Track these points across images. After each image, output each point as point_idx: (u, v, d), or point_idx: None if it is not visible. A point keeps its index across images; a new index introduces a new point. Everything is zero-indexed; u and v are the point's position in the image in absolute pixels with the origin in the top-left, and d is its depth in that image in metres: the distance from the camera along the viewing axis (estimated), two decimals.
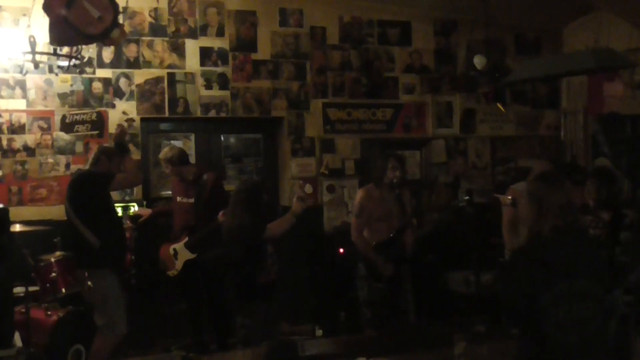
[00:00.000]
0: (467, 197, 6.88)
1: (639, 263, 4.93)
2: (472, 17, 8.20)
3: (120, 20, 4.81)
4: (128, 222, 6.75)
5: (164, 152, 6.86)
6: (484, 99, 8.65)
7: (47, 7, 4.51)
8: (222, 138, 8.15)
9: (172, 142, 7.82)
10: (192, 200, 6.75)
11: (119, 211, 7.10)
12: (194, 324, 6.91)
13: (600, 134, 8.29)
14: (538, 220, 3.19)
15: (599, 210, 5.42)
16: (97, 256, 5.57)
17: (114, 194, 7.20)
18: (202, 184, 6.74)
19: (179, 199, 6.86)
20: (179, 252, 6.71)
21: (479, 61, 8.16)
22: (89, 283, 5.56)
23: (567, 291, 3.07)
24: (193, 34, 7.56)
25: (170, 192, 7.26)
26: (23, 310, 5.80)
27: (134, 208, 7.20)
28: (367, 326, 6.07)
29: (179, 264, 6.70)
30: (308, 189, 7.99)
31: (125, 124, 7.34)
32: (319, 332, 7.26)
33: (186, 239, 6.68)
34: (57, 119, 7.10)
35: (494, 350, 3.31)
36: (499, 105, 8.54)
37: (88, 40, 4.42)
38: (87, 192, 5.65)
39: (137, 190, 7.40)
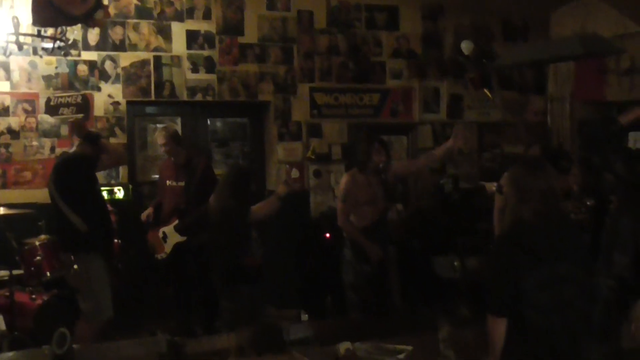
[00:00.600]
0: (445, 180, 6.86)
1: (620, 250, 4.95)
2: (459, 2, 8.19)
3: (105, 2, 4.77)
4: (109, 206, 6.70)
5: (164, 129, 6.84)
6: (471, 85, 8.63)
7: None
8: (209, 122, 8.12)
9: (158, 125, 7.77)
10: (182, 184, 6.73)
11: (105, 195, 7.09)
12: (181, 308, 6.91)
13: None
14: (519, 206, 3.20)
15: (584, 197, 5.45)
16: (83, 240, 5.54)
17: (99, 177, 7.20)
18: (193, 167, 6.73)
19: (168, 182, 6.82)
20: (169, 235, 6.70)
21: (466, 46, 8.15)
22: (75, 267, 5.53)
23: (549, 275, 3.08)
24: (179, 17, 7.51)
25: (156, 176, 7.23)
26: (7, 294, 5.77)
27: (120, 192, 7.18)
28: (352, 310, 6.08)
29: (168, 247, 6.69)
30: (295, 173, 7.98)
31: (111, 107, 7.30)
32: (305, 317, 7.26)
33: (176, 222, 6.67)
34: (41, 101, 7.04)
35: (478, 334, 3.32)
36: (485, 90, 8.55)
37: (71, 21, 4.37)
38: (73, 175, 5.61)
39: (123, 174, 7.37)
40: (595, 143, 4.70)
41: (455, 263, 7.56)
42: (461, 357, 3.41)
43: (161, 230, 6.74)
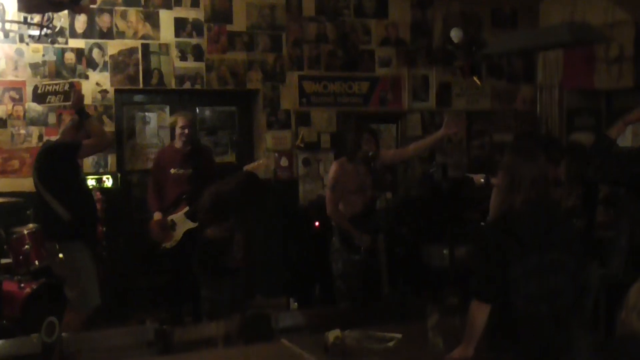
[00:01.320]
0: (435, 169, 6.87)
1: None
2: None
3: None
4: (98, 194, 6.67)
5: (186, 114, 6.90)
6: (460, 73, 8.65)
7: None
8: (197, 110, 8.08)
9: (146, 114, 7.74)
10: (187, 171, 6.68)
11: (92, 183, 7.06)
12: (175, 297, 6.87)
13: None
14: (510, 193, 3.20)
15: (572, 184, 5.46)
16: (67, 228, 5.53)
17: (87, 166, 7.19)
18: (200, 154, 6.72)
19: (173, 170, 6.75)
20: (178, 222, 6.65)
21: (455, 34, 8.17)
22: (60, 256, 5.52)
23: (538, 264, 3.09)
24: (167, 4, 7.46)
25: (147, 166, 7.21)
26: None
27: (109, 181, 7.15)
28: (341, 299, 6.09)
29: (177, 235, 6.64)
30: (284, 162, 7.98)
31: (99, 96, 7.26)
32: (294, 305, 7.29)
33: (186, 208, 6.62)
34: (28, 89, 6.99)
35: (466, 322, 3.33)
36: (475, 79, 8.56)
37: (56, 7, 4.35)
38: (55, 164, 5.59)
39: (111, 163, 7.33)
40: (588, 163, 4.71)
41: (445, 252, 7.60)
42: (450, 345, 3.42)
43: (169, 218, 6.68)
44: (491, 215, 6.28)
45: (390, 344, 3.65)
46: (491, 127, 8.96)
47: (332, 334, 3.54)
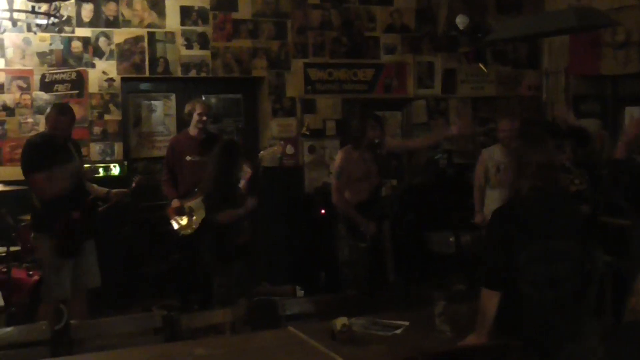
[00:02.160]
0: (440, 156, 6.90)
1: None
2: None
3: None
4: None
5: (205, 103, 6.98)
6: (465, 59, 8.64)
7: None
8: (203, 98, 8.08)
9: (152, 102, 7.76)
10: (202, 158, 6.58)
11: (100, 172, 7.09)
12: (183, 283, 6.90)
13: None
14: (517, 180, 3.21)
15: (578, 170, 5.48)
16: (37, 219, 5.64)
17: (94, 154, 7.22)
18: (214, 141, 6.73)
19: (188, 157, 6.74)
20: (195, 209, 6.66)
21: (460, 21, 8.15)
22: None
23: (543, 251, 3.10)
24: None
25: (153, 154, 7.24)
26: (4, 270, 5.79)
27: (115, 169, 7.18)
28: (347, 286, 6.12)
29: (196, 222, 6.66)
30: (289, 149, 7.99)
31: (105, 84, 7.28)
32: (300, 292, 7.32)
33: (202, 196, 6.62)
34: (36, 78, 7.01)
35: (473, 309, 3.35)
36: (480, 65, 8.54)
37: None
38: (31, 154, 5.62)
39: (118, 151, 7.37)
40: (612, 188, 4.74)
41: (450, 239, 7.62)
42: (457, 331, 3.45)
43: (187, 205, 6.68)
44: (476, 204, 6.52)
45: (398, 331, 3.68)
46: (496, 114, 8.94)
47: (339, 321, 3.57)
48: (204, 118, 6.78)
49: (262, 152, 6.64)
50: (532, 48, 9.10)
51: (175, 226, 6.75)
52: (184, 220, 6.68)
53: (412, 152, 8.09)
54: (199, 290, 6.75)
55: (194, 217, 6.65)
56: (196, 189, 6.62)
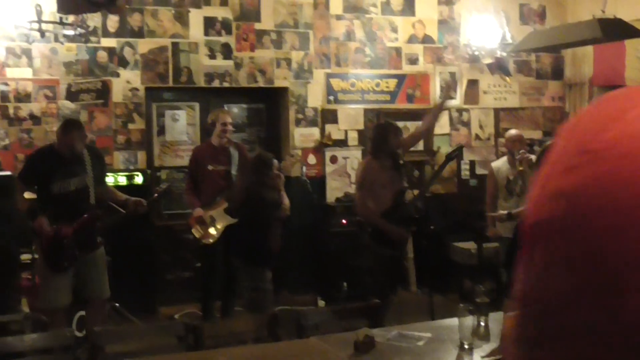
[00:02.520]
0: (456, 152, 6.88)
1: None
2: None
3: None
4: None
5: (228, 114, 6.94)
6: (488, 70, 8.63)
7: None
8: (225, 108, 8.14)
9: (175, 111, 7.82)
10: (224, 168, 6.70)
11: (123, 180, 7.15)
12: (205, 291, 6.92)
13: None
14: None
15: None
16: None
17: (118, 163, 7.29)
18: (235, 150, 6.77)
19: (210, 167, 6.74)
20: (217, 218, 6.70)
21: (482, 31, 8.13)
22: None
23: None
24: (197, 3, 7.54)
25: (176, 163, 7.28)
26: (29, 277, 5.85)
27: (139, 177, 7.23)
28: (372, 296, 6.11)
29: (217, 231, 6.69)
30: (311, 159, 8.02)
31: (130, 93, 7.36)
32: (321, 302, 7.33)
33: (225, 204, 6.65)
34: (62, 87, 7.11)
35: (498, 320, 3.35)
36: (502, 76, 8.53)
37: (94, 8, 4.42)
38: (32, 166, 5.64)
39: (141, 160, 7.44)
40: None
41: (472, 249, 7.59)
42: (480, 343, 3.44)
43: (208, 214, 6.71)
44: (488, 210, 6.60)
45: (420, 342, 3.68)
46: (519, 124, 8.91)
47: (362, 332, 3.57)
48: (229, 127, 6.81)
49: (282, 162, 6.68)
50: (555, 59, 9.08)
51: (197, 235, 6.78)
52: (206, 230, 6.71)
53: (424, 137, 7.95)
54: (221, 299, 6.79)
55: (216, 226, 6.68)
56: (218, 198, 6.67)
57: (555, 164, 0.59)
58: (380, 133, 6.17)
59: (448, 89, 6.45)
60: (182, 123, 7.86)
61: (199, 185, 6.81)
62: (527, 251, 0.60)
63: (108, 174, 6.32)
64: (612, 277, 0.53)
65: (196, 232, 6.76)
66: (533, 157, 6.57)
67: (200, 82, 7.62)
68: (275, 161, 6.27)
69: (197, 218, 6.71)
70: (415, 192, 7.03)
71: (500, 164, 7.01)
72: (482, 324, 3.39)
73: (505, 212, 6.56)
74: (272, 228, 5.94)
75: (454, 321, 3.59)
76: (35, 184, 5.53)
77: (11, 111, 6.97)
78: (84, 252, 5.54)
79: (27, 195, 6.11)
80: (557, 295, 0.56)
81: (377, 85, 8.30)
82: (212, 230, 6.68)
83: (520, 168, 6.66)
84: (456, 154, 6.52)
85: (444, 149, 8.53)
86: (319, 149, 8.06)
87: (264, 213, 5.89)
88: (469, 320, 3.44)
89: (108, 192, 5.95)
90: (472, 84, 8.73)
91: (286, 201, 6.18)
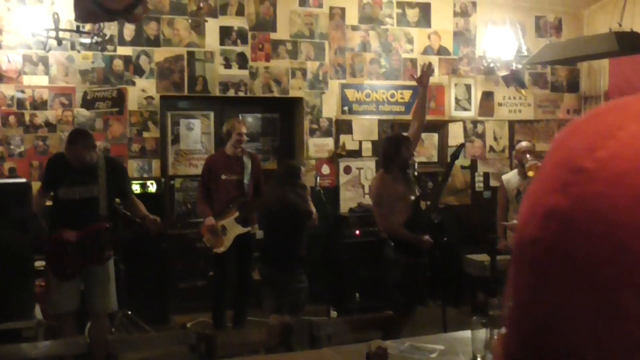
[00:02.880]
0: (460, 151, 6.85)
1: None
2: None
3: None
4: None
5: (243, 125, 6.94)
6: (503, 82, 8.61)
7: None
8: (240, 117, 8.16)
9: (190, 120, 7.84)
10: (237, 177, 6.72)
11: (136, 188, 7.16)
12: (218, 301, 6.92)
13: None
14: None
15: None
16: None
17: (132, 171, 7.31)
18: (249, 160, 6.78)
19: (223, 176, 6.76)
20: (228, 227, 6.72)
21: (498, 43, 8.12)
22: None
23: None
24: (213, 13, 7.57)
25: (190, 172, 7.30)
26: (43, 283, 5.87)
27: (153, 186, 7.25)
28: (398, 310, 6.09)
29: (229, 240, 6.71)
30: (325, 169, 8.02)
31: (145, 102, 7.39)
32: (333, 313, 7.31)
33: (236, 214, 6.68)
34: (78, 95, 7.16)
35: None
36: (518, 88, 8.51)
37: (112, 16, 4.44)
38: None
39: (155, 168, 7.46)
40: None
41: (486, 262, 7.56)
42: (492, 356, 3.41)
43: (220, 224, 6.73)
44: (498, 224, 6.67)
45: (433, 355, 3.66)
46: (534, 137, 8.89)
47: (374, 344, 3.55)
48: (243, 138, 6.81)
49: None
50: (570, 72, 9.05)
51: (208, 244, 6.80)
52: (218, 239, 6.73)
53: (421, 122, 7.86)
54: (233, 308, 6.79)
55: (227, 235, 6.70)
56: (230, 207, 6.68)
57: (546, 181, 0.58)
58: (392, 145, 6.16)
59: (429, 66, 6.46)
60: (196, 132, 7.88)
61: (212, 194, 6.82)
62: (516, 269, 0.59)
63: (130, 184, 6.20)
64: (608, 300, 0.52)
65: (207, 240, 6.77)
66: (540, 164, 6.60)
67: (215, 91, 7.65)
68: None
69: (209, 227, 6.73)
70: (428, 202, 7.04)
71: (510, 175, 7.11)
72: (495, 337, 3.35)
73: (515, 222, 6.55)
74: (304, 236, 6.22)
75: (466, 334, 3.57)
76: (51, 189, 5.55)
77: (27, 118, 7.01)
78: (89, 263, 5.48)
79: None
80: (547, 315, 0.55)
81: (392, 96, 8.30)
82: (223, 239, 6.71)
83: (530, 174, 6.70)
84: (459, 152, 6.49)
85: (458, 160, 8.49)
86: (333, 159, 8.06)
87: (298, 221, 6.10)
88: (482, 333, 3.41)
89: (132, 205, 5.85)
90: (487, 95, 8.72)
91: (314, 210, 6.34)
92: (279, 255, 6.10)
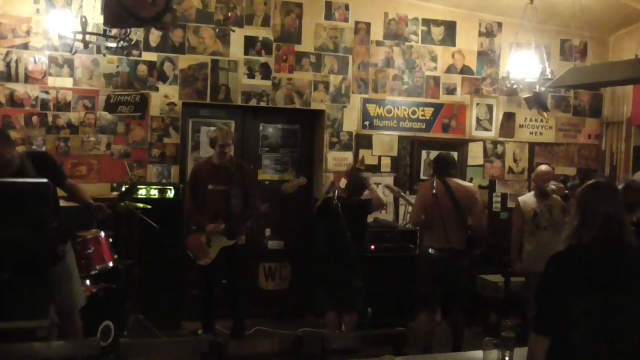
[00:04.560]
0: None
1: None
2: (517, 20, 8.14)
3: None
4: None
5: (228, 132, 6.94)
6: (525, 104, 8.59)
7: None
8: (261, 127, 8.20)
9: (210, 128, 7.87)
10: (224, 187, 6.75)
11: (155, 193, 7.19)
12: (206, 311, 6.91)
13: None
14: (580, 229, 3.15)
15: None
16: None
17: (151, 176, 7.35)
18: (237, 170, 6.78)
19: (210, 186, 6.78)
20: (213, 239, 6.71)
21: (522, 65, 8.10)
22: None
23: (602, 303, 3.03)
24: (239, 23, 7.62)
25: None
26: None
27: (170, 191, 7.27)
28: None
29: (212, 252, 6.72)
30: (343, 183, 8.00)
31: (167, 108, 7.43)
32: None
33: (222, 225, 6.69)
34: (101, 98, 7.21)
35: (522, 356, 3.30)
36: (540, 110, 8.48)
37: (140, 22, 4.47)
38: (48, 169, 5.27)
39: (174, 174, 7.50)
40: None
41: (500, 283, 7.53)
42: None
43: (204, 235, 6.74)
44: (513, 248, 7.01)
45: None
46: (554, 160, 8.86)
47: (385, 359, 3.55)
48: (226, 150, 6.78)
49: (284, 184, 6.70)
50: (593, 96, 9.02)
51: (192, 255, 6.80)
52: (203, 250, 6.73)
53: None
54: (232, 318, 6.77)
55: (212, 248, 6.70)
56: (217, 217, 6.69)
57: None
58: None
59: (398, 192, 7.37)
60: None
61: (199, 203, 6.80)
62: None
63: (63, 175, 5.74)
64: None
65: (191, 252, 6.77)
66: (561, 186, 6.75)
67: (238, 100, 7.68)
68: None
69: (192, 238, 6.75)
70: None
71: (527, 197, 7.13)
72: (507, 358, 3.34)
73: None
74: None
75: (478, 354, 3.56)
76: None
77: (50, 119, 7.07)
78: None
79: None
80: None
81: (414, 112, 8.30)
82: (208, 251, 6.70)
83: (554, 196, 6.71)
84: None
85: (476, 180, 8.49)
86: (352, 173, 8.05)
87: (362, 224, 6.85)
88: (494, 354, 3.40)
89: (74, 194, 5.62)
90: (509, 117, 8.71)
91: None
92: (347, 253, 6.38)
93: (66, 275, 5.42)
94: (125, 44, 6.01)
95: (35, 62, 7.01)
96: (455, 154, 8.48)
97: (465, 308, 6.72)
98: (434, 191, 6.41)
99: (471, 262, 6.63)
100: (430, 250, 6.52)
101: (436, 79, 8.37)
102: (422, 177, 8.24)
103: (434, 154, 8.27)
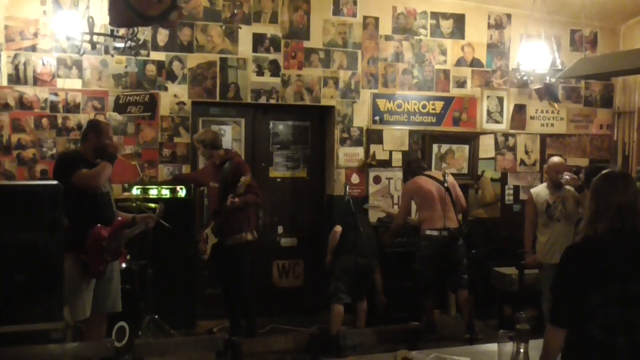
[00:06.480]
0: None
1: None
2: (526, 12, 8.09)
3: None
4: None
5: (199, 134, 7.06)
6: (536, 95, 8.54)
7: None
8: (271, 124, 8.18)
9: (220, 126, 7.87)
10: (218, 185, 6.87)
11: (167, 193, 7.19)
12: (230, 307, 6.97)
13: None
14: (595, 219, 3.13)
15: None
16: (66, 238, 5.00)
17: (162, 176, 7.35)
18: (226, 168, 6.82)
19: (212, 184, 7.00)
20: (209, 236, 6.81)
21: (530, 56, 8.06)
22: None
23: (618, 294, 3.01)
24: (246, 20, 7.60)
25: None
26: None
27: (182, 191, 7.26)
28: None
29: (208, 249, 6.78)
30: (354, 179, 8.00)
31: (176, 107, 7.43)
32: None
33: (212, 223, 6.81)
34: (110, 99, 7.22)
35: (537, 348, 3.28)
36: (551, 102, 8.43)
37: (146, 21, 4.47)
38: (59, 171, 5.36)
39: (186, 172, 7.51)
40: None
41: (514, 275, 7.49)
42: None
43: (204, 232, 6.86)
44: (526, 239, 7.03)
45: None
46: (565, 151, 8.81)
47: (401, 354, 3.53)
48: (199, 152, 7.17)
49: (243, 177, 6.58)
50: (604, 87, 8.96)
51: (200, 251, 6.96)
52: (205, 246, 6.87)
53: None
54: (244, 318, 6.78)
55: (208, 244, 6.79)
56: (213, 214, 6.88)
57: None
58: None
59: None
60: (227, 138, 7.90)
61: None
62: None
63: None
64: None
65: (199, 247, 6.98)
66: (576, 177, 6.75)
67: (247, 98, 7.67)
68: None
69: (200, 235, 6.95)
70: (459, 216, 7.21)
71: (539, 189, 7.11)
72: (522, 350, 3.31)
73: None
74: None
75: (493, 347, 3.53)
76: None
77: (60, 121, 7.08)
78: (114, 260, 5.57)
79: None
80: None
81: (424, 107, 8.26)
82: (206, 248, 6.85)
83: (568, 187, 6.69)
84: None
85: (488, 173, 8.47)
86: (363, 168, 8.04)
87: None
88: (509, 347, 3.38)
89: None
90: (520, 109, 8.66)
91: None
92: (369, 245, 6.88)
93: (116, 277, 5.58)
94: (133, 44, 6.01)
95: (43, 64, 7.02)
96: (466, 148, 8.47)
97: (467, 282, 7.10)
98: (426, 184, 7.18)
99: (464, 238, 7.21)
100: (433, 232, 7.10)
101: (446, 73, 8.34)
102: (434, 171, 8.21)
103: (445, 147, 8.28)
